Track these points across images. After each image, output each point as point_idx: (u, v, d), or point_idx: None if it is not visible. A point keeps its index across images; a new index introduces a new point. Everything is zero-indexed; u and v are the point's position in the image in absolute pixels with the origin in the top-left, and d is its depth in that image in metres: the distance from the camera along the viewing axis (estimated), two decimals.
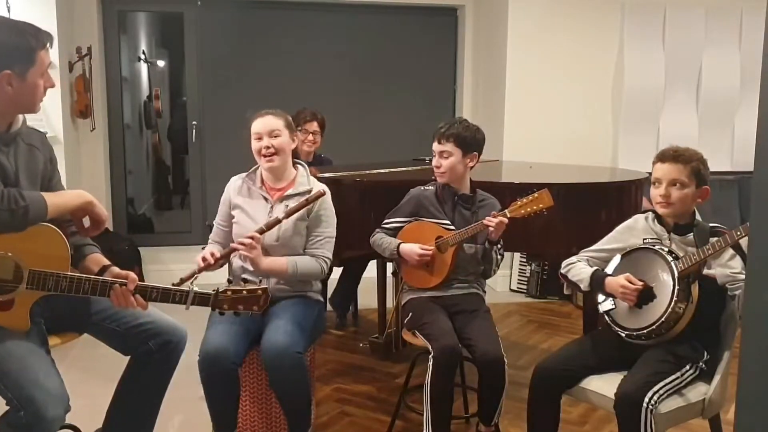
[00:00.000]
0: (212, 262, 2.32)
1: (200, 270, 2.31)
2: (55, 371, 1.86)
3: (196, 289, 1.97)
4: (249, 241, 2.32)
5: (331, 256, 2.50)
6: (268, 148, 2.46)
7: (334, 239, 2.53)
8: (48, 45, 1.91)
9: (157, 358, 2.10)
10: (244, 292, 1.99)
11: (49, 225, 1.88)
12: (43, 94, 1.94)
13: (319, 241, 2.49)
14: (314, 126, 3.80)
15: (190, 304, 1.97)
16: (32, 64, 1.86)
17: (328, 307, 4.07)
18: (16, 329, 1.86)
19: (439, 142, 2.57)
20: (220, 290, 1.98)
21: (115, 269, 2.02)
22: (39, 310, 1.98)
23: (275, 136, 2.47)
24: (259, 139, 2.47)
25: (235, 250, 2.36)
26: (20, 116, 1.96)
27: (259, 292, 2.01)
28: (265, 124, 2.48)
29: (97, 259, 2.07)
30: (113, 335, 2.10)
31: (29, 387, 1.76)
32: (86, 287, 1.87)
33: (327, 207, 2.52)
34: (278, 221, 2.37)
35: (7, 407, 1.80)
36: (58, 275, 1.85)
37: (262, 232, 2.36)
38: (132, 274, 1.96)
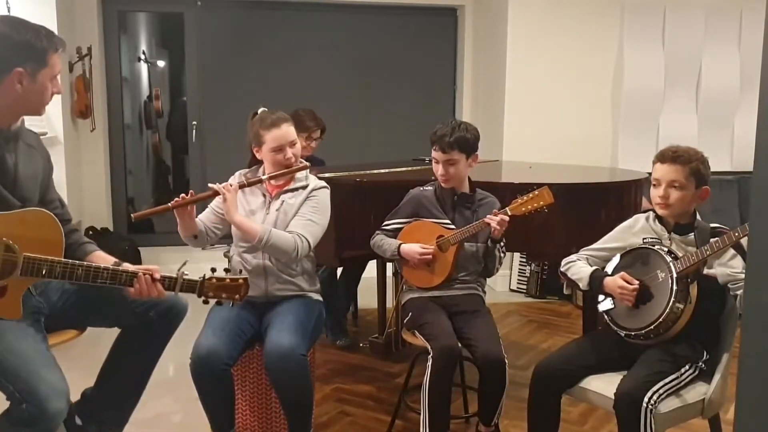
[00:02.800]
0: (179, 201, 2.30)
1: (168, 209, 2.30)
2: (56, 365, 1.86)
3: (186, 272, 1.99)
4: (229, 185, 2.36)
5: (310, 238, 2.39)
6: (288, 158, 2.44)
7: (318, 227, 2.44)
8: (60, 50, 1.92)
9: (157, 326, 2.12)
10: (227, 280, 2.05)
11: (41, 209, 1.89)
12: (50, 98, 1.95)
13: (301, 221, 2.42)
14: (318, 133, 3.82)
15: (178, 291, 2.00)
16: (44, 65, 1.88)
17: None
18: (9, 317, 1.86)
19: (444, 152, 2.52)
20: (206, 277, 2.02)
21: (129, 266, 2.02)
22: (38, 307, 1.99)
23: (294, 145, 2.47)
24: (280, 150, 2.43)
25: (215, 193, 2.35)
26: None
27: (240, 281, 2.06)
28: (285, 135, 2.44)
29: (102, 256, 2.07)
30: (115, 316, 2.12)
31: (31, 380, 1.76)
32: (79, 273, 1.87)
33: (320, 197, 2.49)
34: (260, 180, 2.43)
35: (8, 402, 1.80)
36: (52, 261, 1.85)
37: (242, 186, 2.40)
38: (153, 267, 1.99)
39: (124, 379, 2.18)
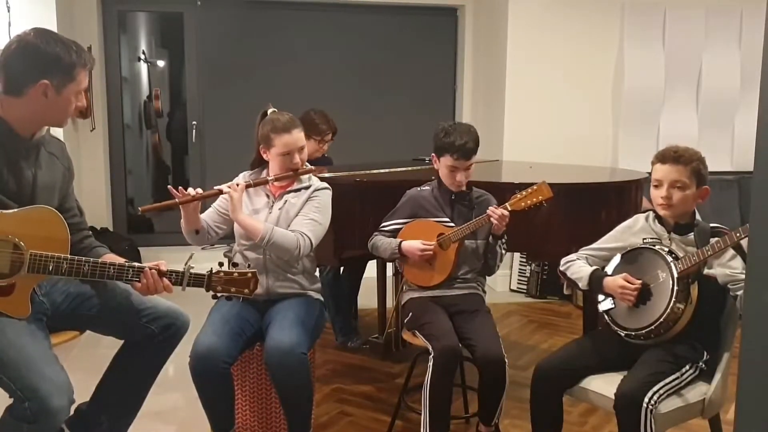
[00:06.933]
0: (187, 197, 2.29)
1: (176, 204, 2.30)
2: (58, 363, 1.86)
3: (192, 265, 1.98)
4: (235, 185, 2.37)
5: (312, 237, 2.41)
6: (295, 163, 2.46)
7: (321, 227, 2.47)
8: (89, 66, 1.93)
9: (159, 341, 2.11)
10: (236, 274, 2.03)
11: (48, 208, 1.89)
12: (73, 112, 1.96)
13: (303, 220, 2.44)
14: (330, 136, 3.83)
15: (186, 285, 1.98)
16: (71, 80, 1.88)
17: None
18: (17, 315, 1.86)
19: (468, 158, 2.52)
20: (213, 271, 2.01)
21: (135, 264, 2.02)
22: (41, 307, 1.99)
23: (302, 150, 2.49)
24: (288, 154, 2.45)
25: (220, 192, 2.38)
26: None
27: (249, 275, 2.05)
28: (296, 141, 2.46)
29: (113, 257, 2.07)
30: (116, 326, 2.11)
31: (33, 377, 1.76)
32: (85, 269, 1.88)
33: (322, 198, 2.51)
34: (266, 181, 2.45)
35: (11, 399, 1.80)
36: (58, 258, 1.85)
37: (248, 186, 2.41)
38: (160, 261, 1.99)
39: (122, 394, 2.17)
